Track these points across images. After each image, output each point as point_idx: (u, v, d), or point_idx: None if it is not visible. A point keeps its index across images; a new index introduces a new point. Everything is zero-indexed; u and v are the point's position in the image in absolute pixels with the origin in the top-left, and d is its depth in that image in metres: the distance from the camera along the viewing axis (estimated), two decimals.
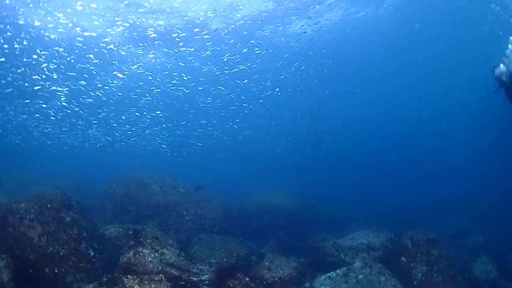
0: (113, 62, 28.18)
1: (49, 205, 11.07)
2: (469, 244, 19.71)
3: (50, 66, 25.99)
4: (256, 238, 19.41)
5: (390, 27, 27.89)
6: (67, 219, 11.01)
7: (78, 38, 25.32)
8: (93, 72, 28.56)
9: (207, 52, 28.14)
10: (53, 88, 27.82)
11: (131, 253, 10.83)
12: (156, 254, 11.06)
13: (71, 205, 11.65)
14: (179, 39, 26.49)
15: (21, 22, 22.99)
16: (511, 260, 17.05)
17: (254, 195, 23.39)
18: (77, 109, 30.98)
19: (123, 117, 33.72)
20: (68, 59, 26.42)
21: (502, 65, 10.43)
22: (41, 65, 25.73)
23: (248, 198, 23.20)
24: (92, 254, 10.94)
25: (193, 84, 30.86)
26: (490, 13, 22.87)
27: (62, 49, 25.30)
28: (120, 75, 29.24)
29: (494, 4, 22.21)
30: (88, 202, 17.17)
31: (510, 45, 10.64)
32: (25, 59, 25.02)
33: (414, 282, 13.52)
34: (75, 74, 27.55)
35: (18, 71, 25.48)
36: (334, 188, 38.86)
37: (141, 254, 10.84)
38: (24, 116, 31.18)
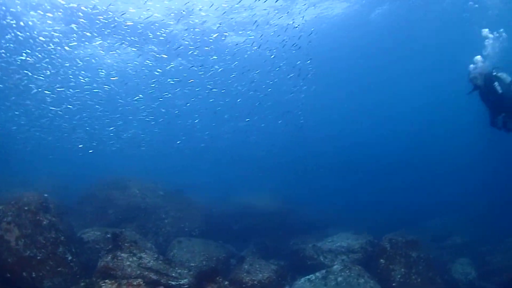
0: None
1: (26, 208, 10.90)
2: (448, 246, 19.82)
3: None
4: (236, 241, 19.36)
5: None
6: (44, 222, 10.87)
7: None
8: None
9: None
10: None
11: (109, 257, 10.74)
12: (135, 258, 10.98)
13: (49, 208, 11.52)
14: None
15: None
16: (491, 261, 17.20)
17: (234, 198, 23.35)
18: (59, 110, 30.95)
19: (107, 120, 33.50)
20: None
21: (473, 67, 10.58)
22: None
23: (229, 201, 23.12)
24: (69, 258, 10.81)
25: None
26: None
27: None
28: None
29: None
30: (67, 205, 16.99)
31: (485, 42, 10.79)
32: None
33: (393, 284, 13.57)
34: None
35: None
36: (315, 190, 38.94)
37: (119, 258, 10.75)
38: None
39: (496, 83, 9.99)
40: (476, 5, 22.43)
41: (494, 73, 10.17)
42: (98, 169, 30.41)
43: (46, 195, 12.18)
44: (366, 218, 24.75)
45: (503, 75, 10.12)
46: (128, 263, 10.70)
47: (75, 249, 11.38)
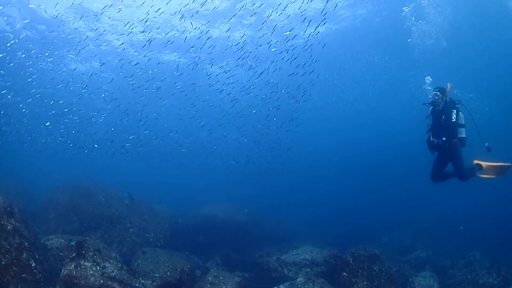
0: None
1: None
2: (411, 259, 20.20)
3: None
4: (202, 252, 19.36)
5: None
6: (8, 227, 10.71)
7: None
8: None
9: None
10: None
11: (73, 266, 10.67)
12: (98, 267, 10.93)
13: (13, 213, 11.34)
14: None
15: None
16: (453, 274, 17.61)
17: (201, 209, 23.33)
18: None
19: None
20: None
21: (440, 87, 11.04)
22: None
23: (195, 212, 23.10)
24: (33, 265, 10.67)
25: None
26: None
27: None
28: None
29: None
30: (31, 209, 16.77)
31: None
32: None
33: None
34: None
35: None
36: (281, 202, 39.19)
37: (83, 266, 10.70)
38: None
39: (454, 111, 10.50)
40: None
41: (457, 102, 10.69)
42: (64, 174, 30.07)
43: (11, 199, 12.02)
44: (330, 230, 25.09)
45: (459, 109, 10.69)
46: (91, 272, 10.65)
47: (39, 256, 11.22)
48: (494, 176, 11.29)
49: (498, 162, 11.11)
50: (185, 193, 39.14)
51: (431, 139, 10.89)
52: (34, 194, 23.05)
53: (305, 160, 50.76)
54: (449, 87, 10.95)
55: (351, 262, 14.53)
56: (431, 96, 10.99)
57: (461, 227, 9.94)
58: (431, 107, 11.10)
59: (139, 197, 21.36)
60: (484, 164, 11.12)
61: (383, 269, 14.44)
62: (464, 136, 10.72)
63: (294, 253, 16.78)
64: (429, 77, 11.98)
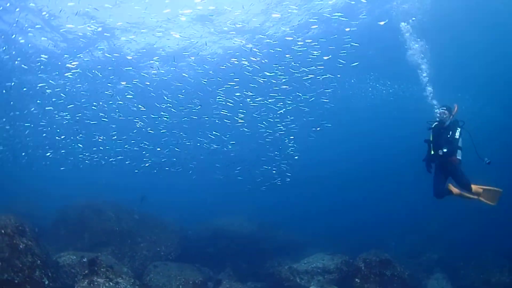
0: None
1: (3, 231, 10.82)
2: (423, 262, 20.10)
3: None
4: (213, 264, 19.28)
5: None
6: (21, 246, 10.77)
7: None
8: None
9: None
10: None
11: (86, 282, 10.67)
12: (111, 283, 10.94)
13: (25, 231, 11.42)
14: None
15: None
16: (466, 275, 17.57)
17: (210, 221, 23.27)
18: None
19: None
20: None
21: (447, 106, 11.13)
22: None
23: (205, 224, 23.06)
24: (46, 282, 10.72)
25: None
26: None
27: None
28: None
29: None
30: (41, 227, 16.79)
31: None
32: None
33: None
34: None
35: None
36: (291, 212, 39.06)
37: (96, 283, 10.69)
38: None
39: (458, 130, 10.70)
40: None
41: (461, 123, 10.82)
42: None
43: (21, 218, 12.08)
44: (340, 237, 24.95)
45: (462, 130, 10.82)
46: None
47: (52, 274, 11.27)
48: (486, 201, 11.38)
49: (489, 186, 11.17)
50: (194, 204, 39.07)
51: (432, 152, 10.96)
52: (43, 211, 23.08)
53: (313, 170, 50.69)
54: (456, 107, 11.08)
55: (363, 268, 14.53)
56: (438, 114, 11.07)
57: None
58: (435, 123, 11.18)
59: (148, 211, 21.38)
60: (474, 187, 11.15)
61: (395, 274, 14.44)
62: (460, 158, 10.82)
63: (305, 262, 16.75)
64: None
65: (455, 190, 11.03)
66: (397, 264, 14.98)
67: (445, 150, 10.58)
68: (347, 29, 25.18)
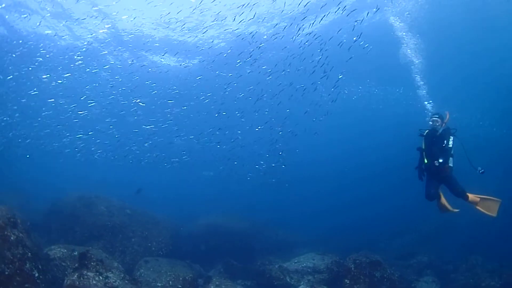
0: None
1: None
2: (414, 264, 20.20)
3: None
4: (204, 261, 19.36)
5: None
6: (12, 238, 10.72)
7: None
8: None
9: None
10: None
11: (75, 276, 10.67)
12: (101, 277, 10.94)
13: (16, 223, 11.37)
14: None
15: None
16: (455, 278, 17.64)
17: (202, 218, 23.32)
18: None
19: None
20: None
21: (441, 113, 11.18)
22: None
23: (196, 221, 23.10)
24: (36, 275, 10.67)
25: None
26: None
27: None
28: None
29: None
30: (33, 220, 16.76)
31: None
32: None
33: None
34: None
35: None
36: (282, 210, 39.10)
37: (86, 277, 10.70)
38: None
39: (451, 138, 10.81)
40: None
41: (453, 131, 10.87)
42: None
43: (13, 210, 12.04)
44: (332, 237, 25.03)
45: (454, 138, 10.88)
46: (94, 282, 10.65)
47: (42, 266, 11.23)
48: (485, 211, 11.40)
49: (487, 195, 11.20)
50: (186, 201, 39.04)
51: (425, 161, 11.00)
52: (35, 204, 23.04)
53: (306, 170, 50.70)
54: (448, 115, 11.13)
55: (353, 269, 14.58)
56: (431, 122, 11.13)
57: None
58: (427, 131, 11.23)
59: (141, 207, 21.38)
60: (470, 196, 11.19)
61: (385, 275, 14.50)
62: (452, 165, 10.88)
63: (296, 261, 16.82)
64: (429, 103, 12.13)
65: (472, 196, 11.07)
66: (387, 266, 15.04)
67: (441, 161, 10.64)
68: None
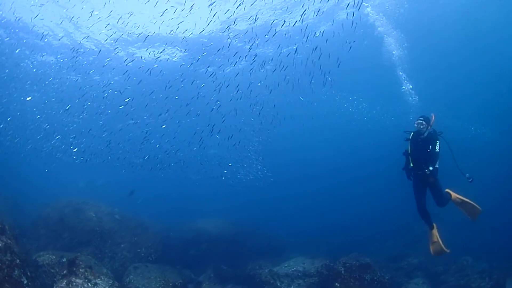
0: None
1: None
2: (404, 266, 20.18)
3: None
4: (194, 266, 19.29)
5: None
6: (0, 244, 10.65)
7: None
8: None
9: None
10: None
11: (64, 283, 10.61)
12: (90, 284, 10.89)
13: (4, 230, 11.26)
14: None
15: None
16: (446, 280, 17.68)
17: (192, 223, 23.25)
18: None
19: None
20: None
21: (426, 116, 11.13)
22: None
23: (186, 226, 23.02)
24: (25, 282, 10.57)
25: None
26: None
27: None
28: None
29: None
30: (21, 225, 16.66)
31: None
32: None
33: None
34: None
35: None
36: (272, 214, 39.12)
37: (74, 284, 10.64)
38: None
39: (438, 142, 10.75)
40: None
41: (439, 134, 10.84)
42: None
43: (1, 216, 11.95)
44: (322, 240, 25.05)
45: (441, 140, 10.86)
46: None
47: (31, 273, 11.13)
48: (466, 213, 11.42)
49: (469, 199, 11.20)
50: (175, 204, 39.00)
51: (411, 165, 10.96)
52: (23, 210, 22.90)
53: (297, 171, 50.81)
54: (433, 117, 11.05)
55: (343, 272, 14.59)
56: (416, 125, 11.05)
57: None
58: (412, 133, 11.18)
59: (129, 212, 21.28)
60: (453, 194, 11.22)
61: (375, 278, 14.51)
62: (437, 166, 10.86)
63: (286, 265, 16.81)
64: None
65: (454, 195, 11.08)
66: (377, 269, 15.04)
67: (431, 168, 10.60)
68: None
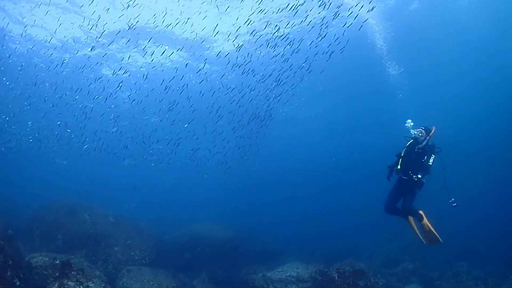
0: None
1: None
2: (399, 272, 20.20)
3: None
4: (188, 270, 19.22)
5: None
6: None
7: None
8: None
9: None
10: None
11: (56, 286, 10.62)
12: (81, 287, 10.85)
13: None
14: None
15: None
16: (441, 286, 17.71)
17: (186, 226, 23.21)
18: None
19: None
20: None
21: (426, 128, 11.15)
22: None
23: (181, 229, 22.97)
24: (18, 283, 10.56)
25: None
26: None
27: None
28: None
29: None
30: (15, 226, 16.59)
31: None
32: None
33: None
34: None
35: None
36: (268, 218, 39.13)
37: (66, 286, 10.63)
38: None
39: (433, 156, 10.73)
40: None
41: (437, 150, 10.86)
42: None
43: None
44: (317, 245, 25.03)
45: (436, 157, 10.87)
46: None
47: (23, 275, 11.10)
48: (420, 237, 11.36)
49: (435, 231, 11.13)
50: (169, 208, 38.98)
51: (398, 167, 10.96)
52: (17, 210, 22.81)
53: (290, 176, 50.76)
54: (433, 129, 11.08)
55: (336, 278, 14.56)
56: (416, 132, 11.07)
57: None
58: (411, 140, 11.20)
59: (124, 215, 21.25)
60: (425, 220, 11.14)
61: (368, 284, 14.49)
62: (424, 182, 10.85)
63: (280, 270, 16.76)
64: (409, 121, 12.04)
65: (425, 220, 11.01)
66: (371, 275, 15.02)
67: (420, 176, 10.59)
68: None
